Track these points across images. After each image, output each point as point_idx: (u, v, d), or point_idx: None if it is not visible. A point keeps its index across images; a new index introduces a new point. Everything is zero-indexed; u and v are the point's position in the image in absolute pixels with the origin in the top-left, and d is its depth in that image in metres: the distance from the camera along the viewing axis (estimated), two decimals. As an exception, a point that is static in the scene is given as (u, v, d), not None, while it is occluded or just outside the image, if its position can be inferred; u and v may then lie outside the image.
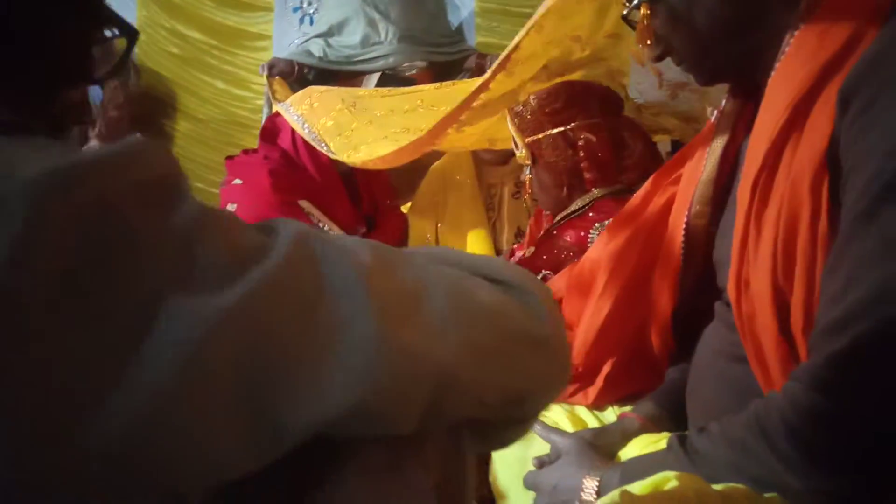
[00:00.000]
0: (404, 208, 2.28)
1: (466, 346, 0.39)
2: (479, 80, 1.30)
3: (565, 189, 1.39)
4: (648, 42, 0.83)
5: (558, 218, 1.44)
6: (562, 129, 1.34)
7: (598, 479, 0.76)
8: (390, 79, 2.57)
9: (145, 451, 0.28)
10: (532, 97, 1.37)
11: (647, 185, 1.01)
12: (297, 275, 0.33)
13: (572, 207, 1.42)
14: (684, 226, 0.90)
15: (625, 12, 0.83)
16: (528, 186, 1.47)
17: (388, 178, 2.23)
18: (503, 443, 0.50)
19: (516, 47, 1.18)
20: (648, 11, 0.77)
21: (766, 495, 0.56)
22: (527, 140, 1.38)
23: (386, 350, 0.34)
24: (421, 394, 0.37)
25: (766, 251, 0.64)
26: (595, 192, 1.38)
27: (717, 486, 0.58)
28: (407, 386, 0.36)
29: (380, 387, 0.34)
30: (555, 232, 1.45)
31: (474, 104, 1.31)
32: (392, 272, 0.38)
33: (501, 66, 1.22)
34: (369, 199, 2.11)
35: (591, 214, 1.34)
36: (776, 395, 0.59)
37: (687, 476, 0.58)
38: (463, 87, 1.64)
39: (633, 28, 0.82)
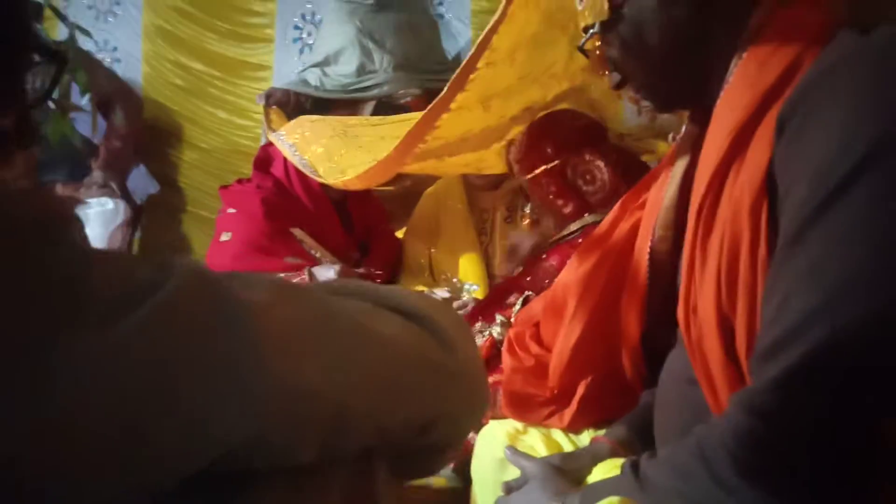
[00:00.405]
0: (399, 233, 2.30)
1: (363, 377, 0.40)
2: (443, 100, 1.33)
3: (553, 223, 1.46)
4: (605, 71, 0.85)
5: (551, 241, 1.47)
6: (529, 176, 1.42)
7: (561, 504, 0.76)
8: (386, 106, 2.61)
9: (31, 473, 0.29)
10: (510, 146, 1.46)
11: (615, 210, 1.02)
12: (188, 310, 0.34)
13: (565, 232, 1.45)
14: (649, 251, 0.91)
15: (580, 43, 0.85)
16: (528, 223, 1.57)
17: (380, 204, 2.26)
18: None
19: (472, 67, 1.20)
20: (600, 42, 0.79)
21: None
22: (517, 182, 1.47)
23: (276, 386, 0.35)
24: (315, 426, 0.38)
25: (711, 277, 0.65)
26: (587, 218, 1.41)
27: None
28: (299, 420, 0.37)
29: (270, 422, 0.35)
30: (544, 255, 1.47)
31: (441, 127, 1.33)
32: (288, 307, 0.39)
33: (459, 86, 1.24)
34: (362, 225, 2.13)
35: (580, 241, 1.37)
36: (718, 420, 0.60)
37: (628, 501, 0.58)
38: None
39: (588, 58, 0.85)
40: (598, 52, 0.81)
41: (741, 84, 0.68)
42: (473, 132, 1.36)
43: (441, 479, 1.46)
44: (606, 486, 0.70)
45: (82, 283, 0.32)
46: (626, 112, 1.70)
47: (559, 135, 1.45)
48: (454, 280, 2.02)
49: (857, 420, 0.55)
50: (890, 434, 0.55)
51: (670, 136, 0.93)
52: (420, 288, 2.01)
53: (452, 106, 1.32)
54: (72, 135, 1.35)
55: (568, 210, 1.43)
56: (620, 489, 0.66)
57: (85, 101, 1.37)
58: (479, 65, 1.22)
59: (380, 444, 0.44)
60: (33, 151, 1.19)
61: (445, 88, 1.31)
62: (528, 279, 1.43)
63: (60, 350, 0.30)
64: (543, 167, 1.42)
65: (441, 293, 1.95)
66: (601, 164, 1.41)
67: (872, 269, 0.52)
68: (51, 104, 1.32)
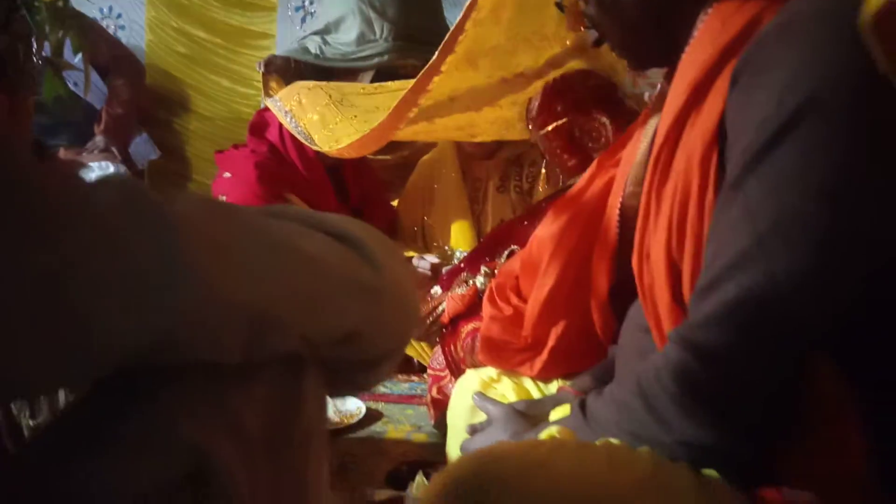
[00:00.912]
0: (396, 202, 2.33)
1: (285, 289, 0.43)
2: (433, 64, 1.34)
3: (561, 175, 1.54)
4: (582, 28, 0.86)
5: (555, 190, 1.53)
6: (541, 132, 1.45)
7: (519, 444, 0.79)
8: (385, 76, 2.61)
9: None
10: (527, 103, 1.52)
11: (592, 167, 1.04)
12: (111, 217, 0.37)
13: (569, 183, 1.50)
14: (619, 206, 0.93)
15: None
16: (543, 177, 1.62)
17: (376, 172, 2.28)
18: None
19: (461, 29, 1.21)
20: (577, -1, 0.81)
21: (640, 449, 0.60)
22: (530, 139, 1.54)
23: (192, 284, 0.38)
24: (235, 330, 0.41)
25: (663, 224, 0.67)
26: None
27: (598, 442, 0.61)
28: (217, 322, 0.40)
29: (187, 316, 0.38)
30: (544, 205, 1.52)
31: (432, 90, 1.35)
32: (215, 219, 0.42)
33: (448, 49, 1.25)
34: (357, 192, 2.16)
35: None
36: (657, 355, 0.62)
37: (564, 430, 0.61)
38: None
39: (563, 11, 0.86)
40: (574, 9, 0.83)
41: (704, 39, 0.70)
42: (460, 91, 1.38)
43: (422, 434, 1.50)
44: (557, 423, 0.73)
45: (10, 200, 0.34)
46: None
47: (569, 95, 1.50)
48: (445, 247, 2.04)
49: (788, 357, 0.57)
50: (821, 371, 0.58)
51: (646, 95, 0.94)
52: (411, 254, 2.04)
53: (443, 68, 1.33)
54: (65, 93, 1.37)
55: (572, 164, 1.49)
56: (567, 424, 0.69)
57: (77, 60, 1.38)
58: (467, 26, 1.23)
59: (306, 351, 0.47)
60: (24, 98, 1.21)
61: (437, 53, 1.32)
62: (525, 224, 1.47)
63: None
64: (553, 124, 1.47)
65: (431, 259, 1.98)
66: (606, 122, 1.45)
67: (802, 215, 0.54)
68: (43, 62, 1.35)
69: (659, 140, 0.71)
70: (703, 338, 0.58)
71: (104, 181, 0.38)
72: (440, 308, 1.36)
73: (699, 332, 0.58)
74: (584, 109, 1.48)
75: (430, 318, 1.37)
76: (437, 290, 1.47)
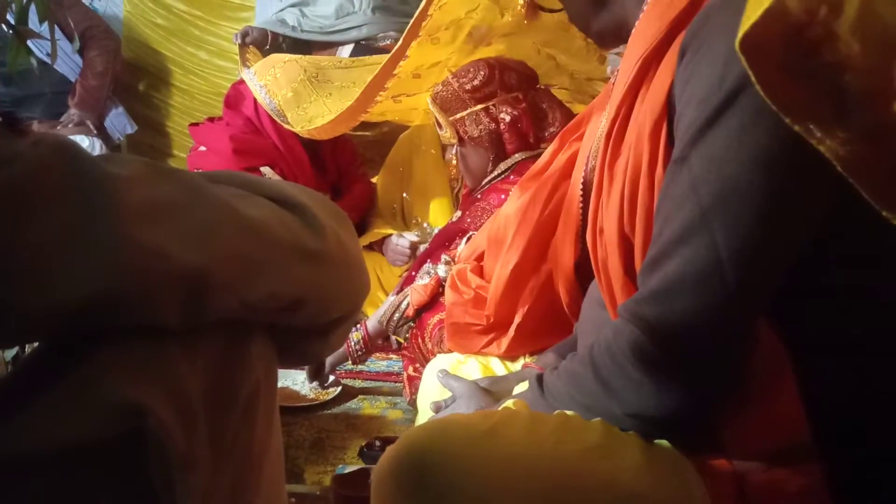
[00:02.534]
0: (375, 178, 2.31)
1: (222, 250, 0.43)
2: (399, 49, 1.33)
3: (490, 162, 1.46)
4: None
5: (483, 183, 1.50)
6: (484, 105, 1.41)
7: (480, 419, 0.80)
8: (364, 49, 2.58)
9: None
10: (451, 77, 1.44)
11: (554, 143, 1.04)
12: (42, 178, 0.36)
13: (496, 172, 1.48)
14: (582, 181, 0.93)
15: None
16: (454, 166, 1.55)
17: (354, 147, 2.26)
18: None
19: (424, 15, 1.20)
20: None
21: (592, 420, 0.60)
22: (451, 119, 1.44)
23: (126, 246, 0.38)
24: (170, 289, 0.41)
25: (616, 198, 0.67)
26: (517, 156, 1.44)
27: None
28: (151, 279, 0.40)
29: (120, 278, 0.38)
30: (479, 196, 1.51)
31: (398, 72, 1.34)
32: (153, 181, 0.41)
33: (413, 34, 1.25)
34: (334, 166, 2.14)
35: (512, 177, 1.40)
36: (608, 329, 0.63)
37: (520, 402, 0.62)
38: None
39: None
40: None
41: (651, 14, 0.70)
42: (424, 67, 1.36)
43: (397, 410, 1.52)
44: (515, 398, 0.73)
45: None
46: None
47: (519, 69, 1.46)
48: (424, 225, 2.04)
49: (731, 327, 0.58)
50: (760, 341, 0.58)
51: (608, 69, 0.94)
52: (390, 231, 2.04)
53: (408, 52, 1.32)
54: (27, 62, 1.34)
55: (511, 146, 1.45)
56: (525, 398, 0.69)
57: (43, 28, 1.35)
58: (431, 10, 1.22)
59: (250, 316, 0.47)
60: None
61: (401, 39, 1.31)
62: (468, 220, 1.46)
63: None
64: (505, 95, 1.42)
65: (410, 237, 1.98)
66: (554, 103, 1.43)
67: (742, 186, 0.55)
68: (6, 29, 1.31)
69: (611, 114, 0.70)
70: (649, 312, 0.58)
71: (39, 141, 0.38)
72: (404, 302, 1.35)
73: (646, 306, 0.59)
74: (535, 87, 1.46)
75: (397, 314, 1.36)
76: (391, 298, 1.45)
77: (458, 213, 1.53)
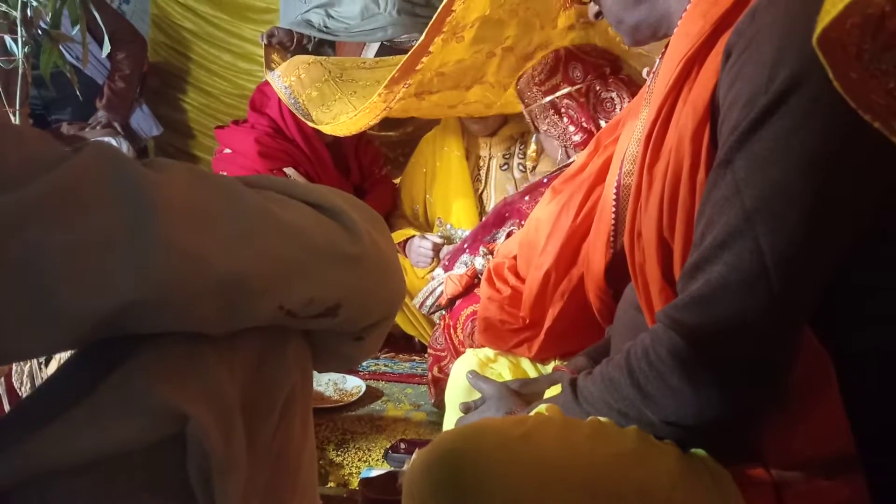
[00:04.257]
0: (398, 179, 2.31)
1: (261, 254, 0.43)
2: (422, 45, 1.32)
3: (560, 153, 1.47)
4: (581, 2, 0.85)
5: (553, 170, 1.50)
6: (549, 98, 1.40)
7: (510, 422, 0.79)
8: (388, 51, 2.58)
9: None
10: (531, 69, 1.44)
11: (590, 145, 1.02)
12: (86, 184, 0.37)
13: (569, 160, 1.47)
14: (616, 185, 0.91)
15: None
16: (534, 152, 1.57)
17: (377, 148, 2.26)
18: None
19: (448, 10, 1.19)
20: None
21: (627, 427, 0.59)
22: (525, 109, 1.46)
23: (167, 251, 0.38)
24: (208, 293, 0.41)
25: (655, 202, 0.66)
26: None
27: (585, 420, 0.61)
28: (191, 284, 0.40)
29: (161, 283, 0.38)
30: (545, 180, 1.49)
31: (421, 68, 1.33)
32: (193, 186, 0.41)
33: (436, 30, 1.24)
34: (357, 168, 2.14)
35: None
36: (646, 334, 0.62)
37: (553, 407, 0.61)
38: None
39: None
40: None
41: (695, 13, 0.68)
42: (448, 65, 1.35)
43: (421, 412, 1.51)
44: (547, 401, 0.72)
45: None
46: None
47: (588, 58, 1.46)
48: (447, 226, 2.03)
49: (773, 334, 0.56)
50: (803, 349, 0.57)
51: (644, 71, 0.92)
52: (412, 232, 2.03)
53: (431, 48, 1.32)
54: (62, 65, 1.36)
55: (577, 139, 1.44)
56: (557, 402, 0.68)
57: (76, 32, 1.37)
58: (455, 6, 1.21)
59: (288, 322, 0.47)
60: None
61: (424, 34, 1.31)
62: (526, 200, 1.45)
63: None
64: (568, 88, 1.42)
65: (433, 238, 1.97)
66: (625, 94, 1.41)
67: (787, 188, 0.54)
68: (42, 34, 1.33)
69: (651, 116, 0.69)
70: (690, 317, 0.57)
71: (82, 146, 0.38)
72: (439, 289, 1.35)
73: (686, 311, 0.57)
74: (603, 76, 1.44)
75: (430, 298, 1.36)
76: (439, 271, 1.45)
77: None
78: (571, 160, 1.45)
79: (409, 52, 1.33)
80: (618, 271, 0.98)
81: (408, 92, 1.43)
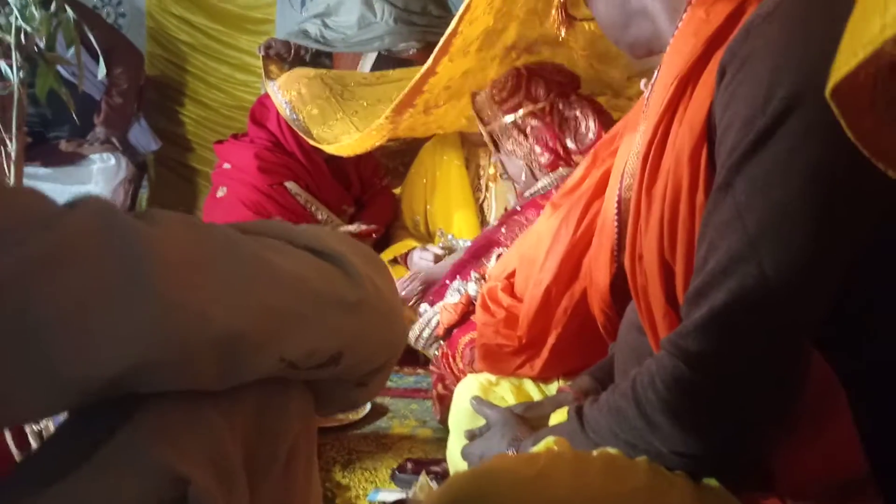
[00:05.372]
0: (398, 190, 2.30)
1: (258, 306, 0.42)
2: (428, 69, 1.31)
3: (524, 174, 1.44)
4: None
5: (525, 195, 1.47)
6: (512, 116, 1.38)
7: (516, 450, 0.78)
8: (386, 59, 2.57)
9: None
10: (489, 86, 1.41)
11: (587, 158, 1.01)
12: (81, 244, 0.36)
13: (538, 185, 1.45)
14: (617, 199, 0.90)
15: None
16: (498, 170, 1.53)
17: (376, 160, 2.25)
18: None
19: (454, 33, 1.18)
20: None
21: (637, 459, 0.58)
22: (486, 128, 1.42)
23: (165, 310, 0.37)
24: (208, 350, 0.40)
25: (655, 223, 0.65)
26: (561, 171, 1.40)
27: (594, 452, 0.59)
28: (190, 342, 0.39)
29: (159, 344, 0.37)
30: (518, 208, 1.48)
31: (427, 88, 1.32)
32: (191, 242, 0.40)
33: (444, 51, 1.23)
34: (357, 180, 2.13)
35: (553, 192, 1.36)
36: (651, 361, 0.60)
37: (561, 441, 0.60)
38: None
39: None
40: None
41: (687, 31, 0.67)
42: (455, 78, 1.35)
43: (427, 429, 1.50)
44: (553, 431, 0.71)
45: None
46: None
47: (549, 77, 1.43)
48: (448, 236, 2.02)
49: (781, 359, 0.55)
50: (813, 372, 0.56)
51: (642, 83, 0.91)
52: (414, 244, 2.02)
53: (438, 69, 1.31)
54: (58, 88, 1.35)
55: (544, 160, 1.41)
56: (563, 432, 0.67)
57: (71, 54, 1.36)
58: (461, 27, 1.20)
59: (290, 373, 0.46)
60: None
61: (431, 58, 1.30)
62: (503, 232, 1.43)
63: None
64: (531, 107, 1.39)
65: (434, 249, 1.96)
66: (588, 111, 1.39)
67: (790, 210, 0.53)
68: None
69: (647, 135, 0.68)
70: (695, 345, 0.56)
71: (76, 203, 0.37)
72: (434, 319, 1.33)
73: (691, 339, 0.56)
74: (565, 95, 1.42)
75: (427, 330, 1.34)
76: (425, 307, 1.43)
77: (494, 224, 1.51)
78: (541, 185, 1.43)
79: (416, 76, 1.32)
80: (622, 286, 0.97)
81: (415, 111, 1.42)
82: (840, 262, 0.55)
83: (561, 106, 1.38)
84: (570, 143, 1.37)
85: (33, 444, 1.00)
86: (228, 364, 0.41)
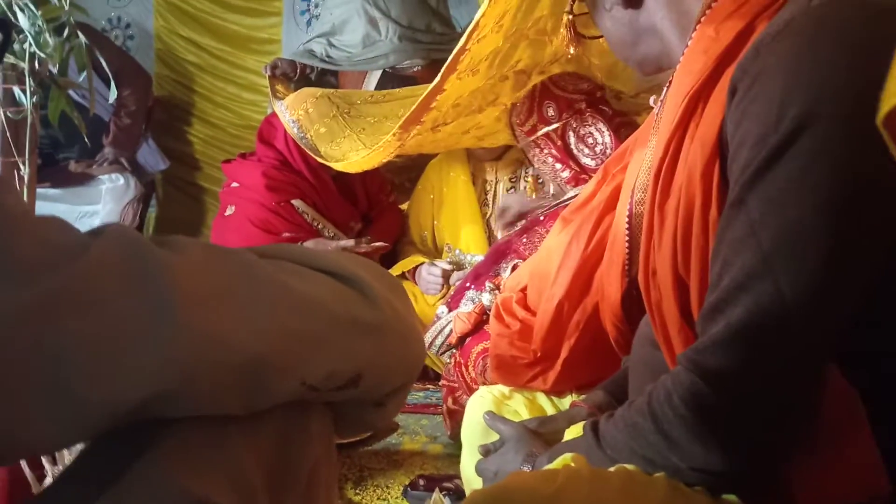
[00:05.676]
0: (405, 206, 2.31)
1: (279, 330, 0.42)
2: (436, 86, 1.32)
3: (553, 187, 1.47)
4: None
5: (552, 205, 1.49)
6: (530, 139, 1.42)
7: (531, 466, 0.78)
8: (391, 77, 2.59)
9: None
10: (511, 109, 1.47)
11: (598, 174, 1.02)
12: (106, 275, 0.36)
13: (564, 197, 1.46)
14: (628, 214, 0.90)
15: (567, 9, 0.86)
16: (532, 186, 1.59)
17: (383, 176, 2.27)
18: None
19: (462, 50, 1.19)
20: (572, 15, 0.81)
21: (655, 476, 0.58)
22: (520, 145, 1.49)
23: (189, 338, 0.37)
24: (231, 377, 0.40)
25: (668, 240, 0.65)
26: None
27: (611, 468, 0.59)
28: (213, 370, 0.39)
29: (184, 371, 0.38)
30: (542, 218, 1.49)
31: (435, 105, 1.33)
32: (211, 269, 0.41)
33: (451, 69, 1.24)
34: (364, 196, 2.14)
35: None
36: (667, 377, 0.60)
37: (578, 457, 0.60)
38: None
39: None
40: (567, 20, 0.82)
41: (697, 49, 0.68)
42: (463, 96, 1.36)
43: (437, 445, 1.49)
44: (568, 446, 0.71)
45: (5, 244, 0.33)
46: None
47: (561, 97, 1.46)
48: (456, 251, 2.03)
49: (799, 375, 0.55)
50: (831, 387, 0.56)
51: (651, 99, 0.92)
52: (421, 259, 2.03)
53: (445, 86, 1.32)
54: (70, 112, 1.37)
55: (565, 176, 1.44)
56: (579, 448, 0.67)
57: (83, 79, 1.38)
58: (469, 45, 1.21)
59: (310, 396, 0.46)
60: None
61: (439, 75, 1.31)
62: (524, 240, 1.44)
63: None
64: (545, 129, 1.43)
65: (442, 265, 1.97)
66: (603, 127, 1.40)
67: (805, 228, 0.53)
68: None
69: (658, 152, 0.68)
70: (711, 361, 0.56)
71: (102, 233, 0.38)
72: (448, 327, 1.33)
73: (707, 355, 0.56)
74: (578, 112, 1.45)
75: (440, 337, 1.35)
76: (443, 310, 1.44)
77: (515, 229, 1.55)
78: (567, 196, 1.45)
79: (424, 93, 1.33)
80: (633, 300, 0.97)
81: (423, 128, 1.43)
82: (857, 280, 0.55)
83: (574, 124, 1.42)
84: (586, 161, 1.40)
85: (46, 466, 1.00)
86: (252, 390, 0.41)
